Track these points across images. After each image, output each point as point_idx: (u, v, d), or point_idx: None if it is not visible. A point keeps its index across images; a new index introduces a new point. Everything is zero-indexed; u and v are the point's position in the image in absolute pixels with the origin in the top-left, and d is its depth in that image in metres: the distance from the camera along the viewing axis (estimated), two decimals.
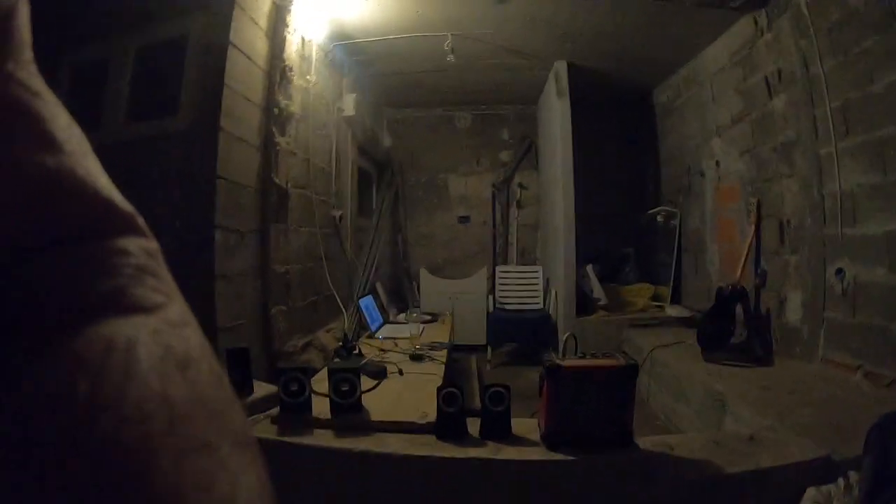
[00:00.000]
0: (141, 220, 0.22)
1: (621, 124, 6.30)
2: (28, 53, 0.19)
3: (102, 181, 0.21)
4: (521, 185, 6.66)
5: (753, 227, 3.74)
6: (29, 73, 0.19)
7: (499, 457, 1.77)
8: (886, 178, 2.63)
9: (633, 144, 6.27)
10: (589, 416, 1.74)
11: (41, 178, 0.18)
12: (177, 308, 0.21)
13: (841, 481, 1.59)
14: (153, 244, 0.22)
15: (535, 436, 1.84)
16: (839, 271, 2.91)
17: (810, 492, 1.59)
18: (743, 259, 3.73)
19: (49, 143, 0.19)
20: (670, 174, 5.72)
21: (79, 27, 2.82)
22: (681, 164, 5.37)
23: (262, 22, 3.14)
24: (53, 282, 0.18)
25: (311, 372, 2.22)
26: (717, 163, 4.53)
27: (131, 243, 0.21)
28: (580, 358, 1.88)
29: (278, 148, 3.29)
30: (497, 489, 1.77)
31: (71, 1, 2.64)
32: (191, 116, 2.80)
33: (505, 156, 6.72)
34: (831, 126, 2.98)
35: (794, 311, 3.35)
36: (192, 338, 0.21)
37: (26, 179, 0.18)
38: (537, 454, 1.76)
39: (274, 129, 3.25)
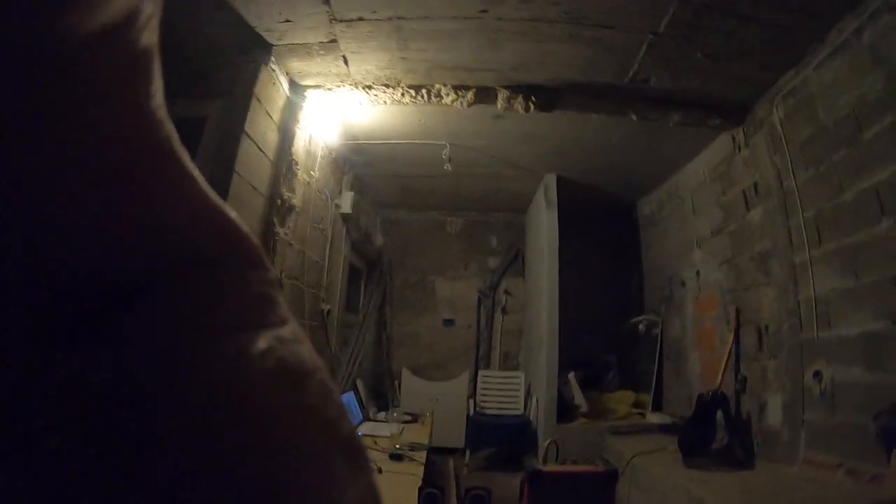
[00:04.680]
0: (265, 254, 0.24)
1: (607, 235, 6.50)
2: (161, 95, 0.20)
3: (235, 214, 0.23)
4: (506, 292, 6.75)
5: (733, 333, 3.82)
6: (165, 109, 0.20)
7: None
8: (859, 281, 2.74)
9: (618, 254, 6.46)
10: None
11: (198, 203, 0.20)
12: (291, 328, 0.22)
13: None
14: (273, 275, 0.24)
15: None
16: (816, 373, 2.97)
17: None
18: (723, 365, 3.78)
19: (193, 178, 0.21)
20: (653, 283, 5.88)
21: None
22: (663, 273, 5.54)
23: (276, 115, 3.33)
24: (200, 300, 0.20)
25: None
26: (698, 273, 4.68)
27: (258, 273, 0.23)
28: (561, 464, 1.88)
29: (277, 238, 3.37)
30: None
31: None
32: None
33: (492, 262, 6.87)
34: (805, 235, 3.15)
35: (774, 415, 3.36)
36: (304, 353, 0.22)
37: (185, 201, 0.20)
38: None
39: (275, 220, 3.34)
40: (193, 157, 0.20)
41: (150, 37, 0.18)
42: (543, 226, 5.25)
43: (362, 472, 0.21)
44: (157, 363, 0.17)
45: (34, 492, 0.16)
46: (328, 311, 4.61)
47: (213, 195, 0.21)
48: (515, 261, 6.75)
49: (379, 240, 6.51)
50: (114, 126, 0.18)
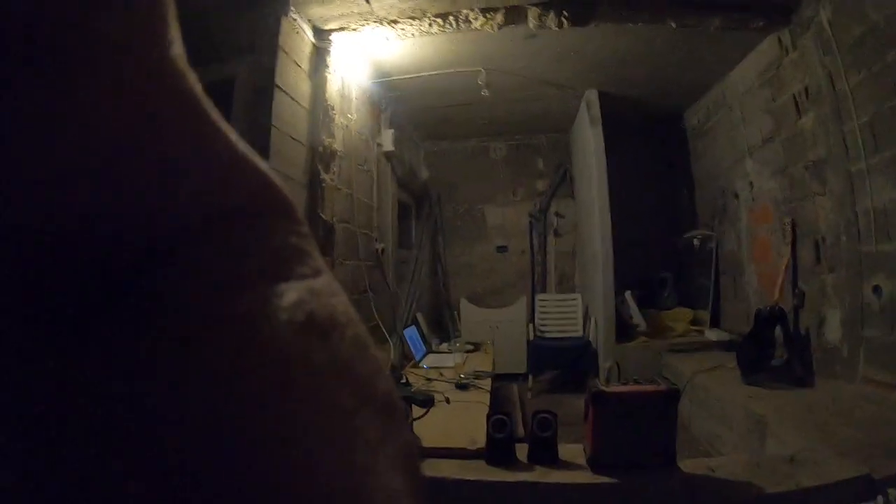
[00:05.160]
0: (297, 208, 0.23)
1: (654, 148, 6.30)
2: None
3: (266, 165, 0.22)
4: (557, 214, 6.69)
5: (789, 247, 3.70)
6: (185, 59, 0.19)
7: (547, 480, 1.81)
8: None
9: (667, 168, 6.27)
10: (633, 440, 1.77)
11: (225, 155, 0.19)
12: (325, 279, 0.21)
13: (880, 499, 1.58)
14: (306, 228, 0.23)
15: (581, 460, 1.88)
16: (876, 288, 2.88)
17: None
18: (780, 279, 3.69)
19: (219, 130, 0.20)
20: (705, 197, 5.70)
21: None
22: (714, 185, 5.36)
23: (304, 64, 3.32)
24: (232, 250, 0.19)
25: None
26: (751, 183, 4.51)
27: (289, 225, 0.21)
28: (623, 384, 1.92)
29: (324, 184, 3.42)
30: None
31: None
32: None
33: (540, 185, 6.78)
34: (860, 141, 2.98)
35: (833, 331, 3.29)
36: (338, 306, 0.21)
37: (212, 154, 0.19)
38: (583, 477, 1.80)
39: (319, 167, 3.39)
40: (228, 117, 0.21)
41: None
42: (589, 144, 5.12)
43: (397, 432, 0.20)
44: (175, 321, 0.17)
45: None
46: (382, 250, 4.70)
47: (242, 147, 0.20)
48: (564, 181, 6.65)
49: (424, 173, 6.52)
50: (133, 76, 0.17)
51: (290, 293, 0.19)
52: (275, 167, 2.54)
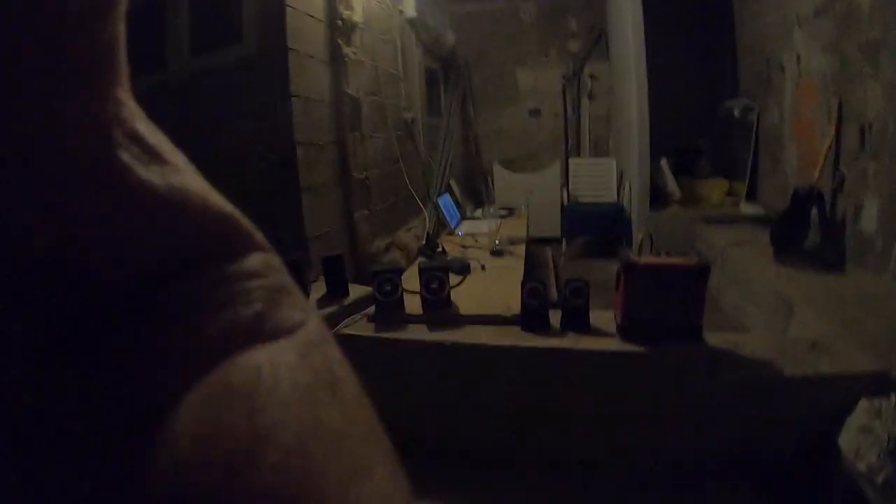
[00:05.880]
0: (260, 235, 0.20)
1: (696, 9, 5.84)
2: (127, 77, 0.17)
3: (217, 195, 0.19)
4: (591, 76, 6.45)
5: (833, 127, 3.50)
6: (131, 97, 0.18)
7: (578, 346, 1.90)
8: None
9: (708, 33, 5.84)
10: (662, 312, 1.83)
11: (159, 197, 0.17)
12: (315, 324, 0.20)
13: (893, 397, 1.61)
14: (276, 258, 0.21)
15: (612, 328, 1.94)
16: None
17: (863, 403, 1.64)
18: (821, 160, 3.54)
19: (160, 161, 0.17)
20: (748, 65, 5.33)
21: None
22: (759, 55, 4.98)
23: None
24: (189, 312, 0.17)
25: (401, 271, 2.38)
26: (798, 57, 4.18)
27: (258, 261, 0.19)
28: (655, 255, 1.96)
29: (346, 59, 3.36)
30: (576, 375, 1.92)
31: None
32: (256, 41, 2.88)
33: (573, 46, 6.48)
34: None
35: (869, 220, 3.18)
36: (334, 355, 0.20)
37: (143, 200, 0.17)
38: (613, 345, 1.88)
39: (340, 41, 3.30)
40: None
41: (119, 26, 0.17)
42: (625, 2, 4.80)
43: (404, 488, 0.19)
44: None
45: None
46: (412, 119, 4.67)
47: (193, 180, 0.18)
48: (598, 43, 6.32)
49: (450, 38, 6.26)
50: (75, 118, 0.15)
51: (291, 348, 0.18)
52: (292, 46, 2.49)
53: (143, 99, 0.19)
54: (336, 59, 3.31)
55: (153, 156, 0.17)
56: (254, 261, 0.19)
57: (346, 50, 3.37)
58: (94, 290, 0.16)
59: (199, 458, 0.15)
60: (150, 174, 0.17)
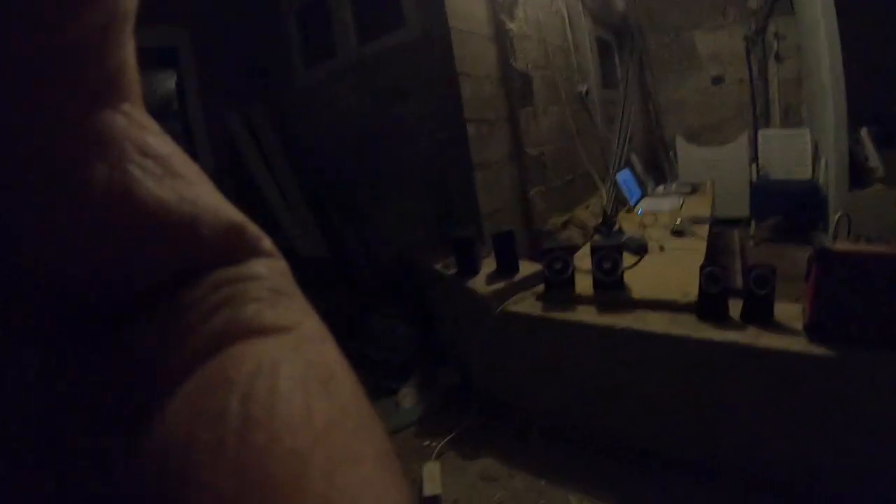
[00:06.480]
0: (268, 241, 0.22)
1: None
2: (139, 92, 0.19)
3: (226, 205, 0.20)
4: (777, 35, 5.74)
5: None
6: (143, 111, 0.19)
7: (757, 343, 1.70)
8: None
9: None
10: (859, 310, 1.55)
11: (169, 210, 0.18)
12: (313, 324, 0.21)
13: None
14: (282, 263, 0.22)
15: (798, 324, 1.72)
16: None
17: None
18: None
19: (172, 174, 0.19)
20: None
21: None
22: None
23: None
24: (189, 311, 0.19)
25: (574, 250, 2.30)
26: None
27: (262, 265, 0.21)
28: (854, 241, 1.66)
29: (511, 34, 3.30)
30: (754, 376, 1.71)
31: None
32: (418, 24, 2.95)
33: (753, 2, 5.81)
34: None
35: None
36: (330, 353, 0.21)
37: (153, 213, 0.18)
38: (798, 345, 1.65)
39: (502, 16, 3.25)
40: None
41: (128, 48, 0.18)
42: None
43: (397, 481, 0.19)
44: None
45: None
46: (587, 91, 4.51)
47: (203, 190, 0.20)
48: None
49: (620, 4, 5.93)
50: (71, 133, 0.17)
51: (286, 343, 0.19)
52: (454, 25, 2.48)
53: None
54: (500, 35, 3.26)
55: (165, 169, 0.19)
56: (256, 265, 0.21)
57: (511, 25, 3.31)
58: (97, 296, 0.18)
59: (191, 437, 0.16)
60: (161, 188, 0.18)
